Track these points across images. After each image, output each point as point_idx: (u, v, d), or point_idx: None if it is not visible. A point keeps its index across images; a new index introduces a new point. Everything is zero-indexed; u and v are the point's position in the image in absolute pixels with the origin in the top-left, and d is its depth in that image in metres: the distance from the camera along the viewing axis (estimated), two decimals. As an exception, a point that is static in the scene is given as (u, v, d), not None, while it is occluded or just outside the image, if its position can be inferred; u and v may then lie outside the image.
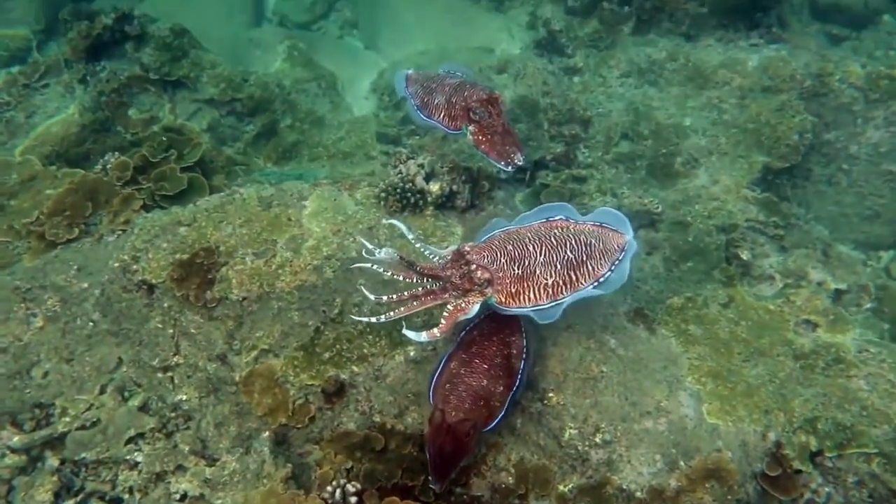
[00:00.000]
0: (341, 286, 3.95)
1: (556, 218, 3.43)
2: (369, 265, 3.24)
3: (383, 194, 4.21)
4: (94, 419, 3.71)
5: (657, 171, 5.34)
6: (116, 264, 4.00)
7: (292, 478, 3.55)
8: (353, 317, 3.23)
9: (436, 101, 4.04)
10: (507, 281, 3.20)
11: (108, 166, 4.44)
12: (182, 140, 4.75)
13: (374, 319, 3.13)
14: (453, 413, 3.24)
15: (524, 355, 3.51)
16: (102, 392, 3.79)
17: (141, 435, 3.70)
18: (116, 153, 4.56)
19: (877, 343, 4.23)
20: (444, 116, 4.00)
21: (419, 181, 4.18)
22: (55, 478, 3.56)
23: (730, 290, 4.48)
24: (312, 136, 5.80)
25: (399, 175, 4.21)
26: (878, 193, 5.59)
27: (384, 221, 3.30)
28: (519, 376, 3.47)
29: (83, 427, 3.69)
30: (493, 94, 3.88)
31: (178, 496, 3.56)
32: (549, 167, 5.25)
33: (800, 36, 6.11)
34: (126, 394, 3.80)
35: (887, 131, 5.48)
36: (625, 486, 3.57)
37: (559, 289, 3.24)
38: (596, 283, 3.30)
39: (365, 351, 3.81)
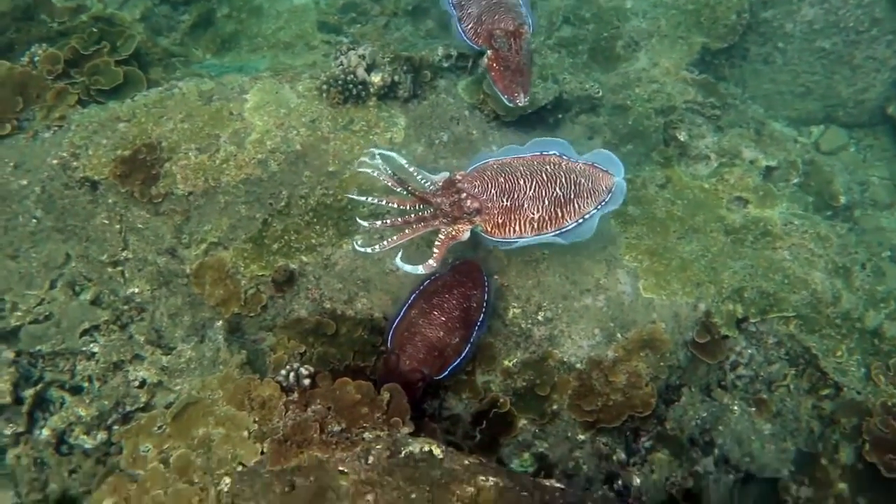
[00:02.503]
0: (287, 178, 3.98)
1: (550, 153, 3.44)
2: (370, 170, 3.26)
3: (325, 86, 4.17)
4: (47, 313, 3.76)
5: (598, 56, 5.36)
6: (55, 161, 3.95)
7: (247, 363, 3.69)
8: (356, 248, 3.26)
9: (470, 10, 3.94)
10: (496, 212, 3.26)
11: (37, 59, 4.28)
12: (114, 31, 4.57)
13: (370, 250, 3.16)
14: (407, 361, 3.41)
15: (483, 309, 3.61)
16: (52, 287, 3.81)
17: (95, 327, 3.76)
18: (44, 44, 4.38)
19: (801, 216, 4.47)
20: (470, 28, 3.92)
21: (361, 72, 4.15)
22: (12, 369, 3.63)
23: (667, 170, 4.64)
24: (251, 26, 5.62)
25: (340, 67, 4.16)
26: (810, 70, 5.73)
27: (375, 151, 3.29)
28: (476, 328, 3.58)
29: (36, 321, 3.74)
30: (519, 28, 3.79)
31: (136, 383, 3.69)
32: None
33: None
34: (77, 288, 3.84)
35: (821, 8, 5.55)
36: (565, 359, 3.80)
37: (544, 224, 3.32)
38: (580, 221, 3.39)
39: (313, 241, 3.90)
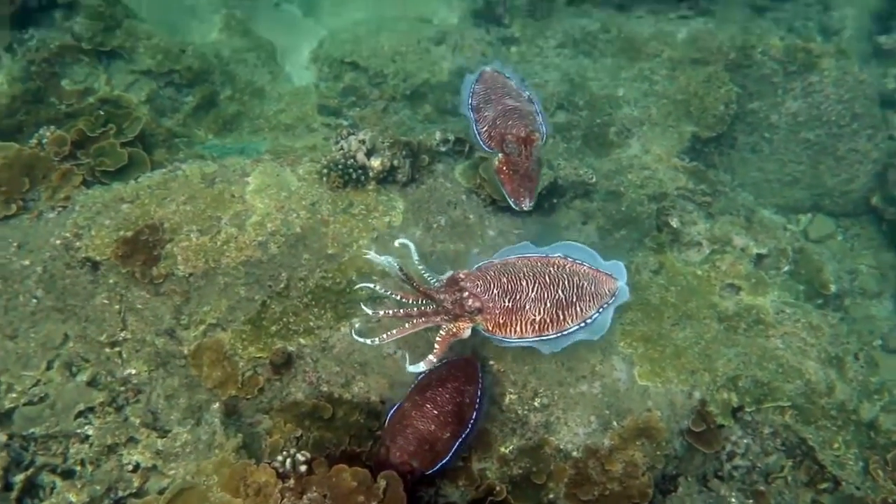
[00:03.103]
0: (287, 261, 4.03)
1: (555, 256, 3.50)
2: (379, 261, 3.30)
3: (325, 170, 4.26)
4: (42, 395, 3.73)
5: (592, 141, 5.52)
6: (58, 241, 3.99)
7: (243, 447, 3.66)
8: (355, 337, 3.30)
9: (485, 112, 4.07)
10: (497, 312, 3.30)
11: (44, 140, 4.37)
12: (120, 113, 4.68)
13: (370, 342, 3.21)
14: (397, 453, 3.39)
15: (477, 406, 3.61)
16: (49, 368, 3.80)
17: (90, 409, 3.74)
18: (52, 126, 4.48)
19: (792, 304, 4.54)
20: (485, 131, 4.04)
21: (361, 157, 4.25)
22: (4, 453, 3.57)
23: (660, 256, 4.72)
24: (253, 108, 5.78)
25: (341, 151, 4.27)
26: (796, 160, 5.91)
27: (397, 243, 3.38)
28: (470, 424, 3.58)
29: (31, 403, 3.71)
30: (530, 135, 3.89)
31: (130, 467, 3.64)
32: (487, 139, 5.36)
33: (726, 7, 6.33)
34: (74, 369, 3.82)
35: (804, 101, 5.78)
36: (562, 446, 3.79)
37: (545, 326, 3.35)
38: (582, 324, 3.42)
39: (311, 324, 3.92)
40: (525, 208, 3.90)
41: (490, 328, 3.35)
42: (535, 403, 3.84)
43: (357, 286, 3.89)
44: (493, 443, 3.79)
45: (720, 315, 4.42)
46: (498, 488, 3.66)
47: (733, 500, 3.95)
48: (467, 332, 3.33)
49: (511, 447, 3.79)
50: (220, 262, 3.98)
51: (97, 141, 4.42)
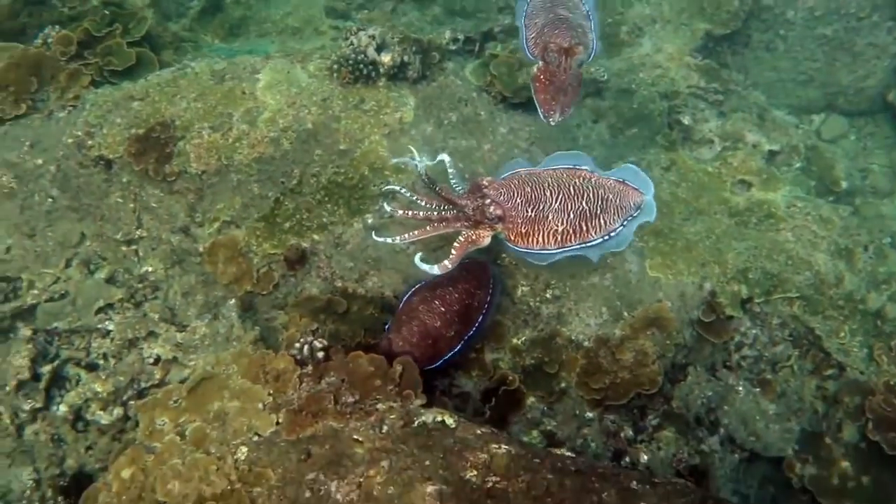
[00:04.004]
0: (299, 157, 4.03)
1: (582, 168, 3.41)
2: (407, 160, 3.27)
3: (336, 66, 4.23)
4: (62, 291, 3.80)
5: (603, 40, 5.39)
6: (70, 140, 4.00)
7: (261, 340, 3.75)
8: (374, 237, 3.29)
9: (537, 20, 3.87)
10: (519, 221, 3.25)
11: (50, 40, 4.33)
12: (125, 14, 4.63)
13: (391, 240, 3.20)
14: (400, 343, 3.45)
15: (484, 310, 3.64)
16: (68, 266, 3.86)
17: (110, 305, 3.81)
18: (57, 27, 4.43)
19: (803, 198, 4.54)
20: (532, 37, 3.86)
21: (371, 52, 4.20)
22: (30, 345, 3.67)
23: (672, 153, 4.71)
24: (259, 12, 5.68)
25: (351, 46, 4.22)
26: (812, 58, 5.79)
27: (439, 157, 3.33)
28: (475, 327, 3.61)
29: (51, 299, 3.79)
30: (573, 46, 3.68)
31: (151, 360, 3.73)
32: (497, 38, 5.28)
33: None
34: (92, 267, 3.88)
35: (822, -6, 5.63)
36: (573, 337, 3.86)
37: (568, 236, 3.29)
38: (606, 237, 3.34)
39: (325, 220, 3.95)
40: (552, 123, 3.72)
41: (512, 237, 3.30)
42: (547, 295, 3.89)
43: (385, 188, 3.86)
44: (506, 334, 3.86)
45: (731, 210, 4.43)
46: (511, 378, 3.75)
47: (740, 388, 4.04)
48: (487, 240, 3.30)
49: (523, 338, 3.86)
50: (233, 159, 3.99)
51: (103, 41, 4.37)
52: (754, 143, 4.87)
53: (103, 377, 3.69)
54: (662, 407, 3.92)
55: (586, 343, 3.85)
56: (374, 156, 4.03)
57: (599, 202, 3.31)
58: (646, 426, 3.91)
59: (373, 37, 4.21)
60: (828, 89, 5.88)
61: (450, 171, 3.32)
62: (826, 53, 5.75)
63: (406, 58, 4.28)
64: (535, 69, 3.79)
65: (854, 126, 5.94)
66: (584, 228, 3.30)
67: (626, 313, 3.90)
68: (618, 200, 3.33)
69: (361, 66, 4.18)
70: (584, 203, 3.28)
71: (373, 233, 3.51)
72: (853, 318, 4.13)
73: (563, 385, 3.81)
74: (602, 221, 3.31)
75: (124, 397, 3.66)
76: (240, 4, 5.66)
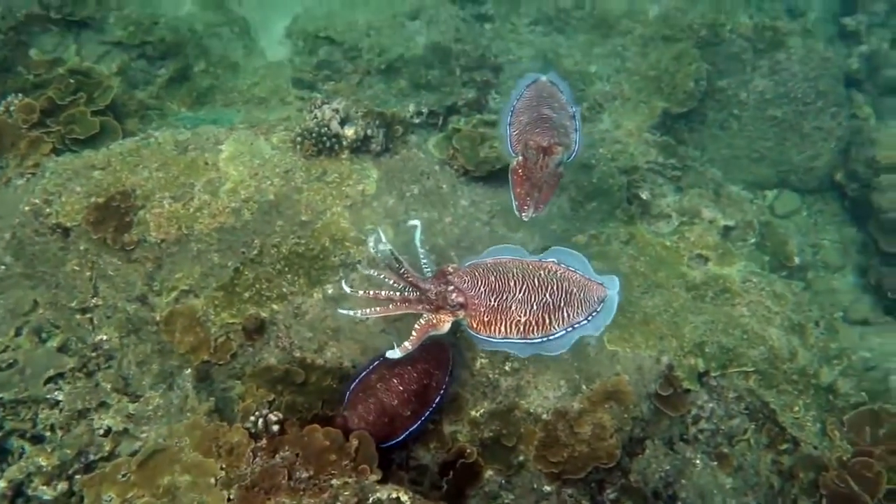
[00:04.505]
0: (260, 228, 4.04)
1: (549, 260, 3.44)
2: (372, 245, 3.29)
3: (299, 138, 4.28)
4: (11, 360, 3.72)
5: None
6: (27, 208, 3.97)
7: (215, 411, 3.68)
8: (339, 311, 3.30)
9: (522, 117, 3.97)
10: (482, 309, 3.27)
11: (12, 108, 4.34)
12: (91, 83, 4.66)
13: (352, 313, 3.22)
14: (356, 420, 3.43)
15: (442, 390, 3.65)
16: (18, 334, 3.79)
17: (61, 374, 3.73)
18: (20, 94, 4.45)
19: (758, 273, 4.64)
20: (515, 134, 3.93)
21: (334, 125, 4.27)
22: (-27, 418, 3.58)
23: (630, 227, 4.80)
24: (226, 81, 5.76)
25: (314, 119, 4.28)
26: (764, 137, 6.03)
27: (410, 223, 3.36)
28: (431, 407, 3.61)
29: None
30: (552, 146, 3.76)
31: (101, 431, 3.64)
32: (461, 112, 5.41)
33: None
34: (44, 335, 3.81)
35: (771, 79, 5.89)
36: (532, 410, 3.85)
37: (531, 328, 3.31)
38: (570, 329, 3.34)
39: (284, 290, 3.94)
40: (525, 218, 3.77)
41: (475, 325, 3.31)
42: (506, 367, 3.89)
43: (358, 266, 3.86)
44: (465, 406, 3.84)
45: (688, 284, 4.51)
46: (469, 451, 3.72)
47: (698, 461, 4.04)
48: (447, 327, 3.31)
49: (482, 410, 3.84)
50: (193, 229, 3.98)
51: (67, 109, 4.39)
52: (710, 218, 4.99)
53: (49, 450, 3.59)
54: (620, 481, 3.90)
55: (545, 416, 3.84)
56: (336, 227, 4.05)
57: (563, 295, 3.32)
58: (604, 500, 3.88)
59: (336, 110, 4.28)
60: (780, 167, 6.11)
61: (418, 237, 3.36)
62: (777, 134, 6.00)
63: (369, 131, 4.36)
64: (514, 163, 3.84)
65: (805, 202, 6.14)
66: (547, 321, 3.31)
67: (584, 386, 3.91)
68: (581, 294, 3.35)
69: (325, 138, 4.24)
70: (547, 295, 3.30)
71: (337, 307, 3.48)
72: (806, 393, 4.19)
73: (521, 458, 3.79)
74: (565, 314, 3.32)
75: (70, 471, 3.56)
76: (207, 74, 5.73)
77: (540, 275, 3.34)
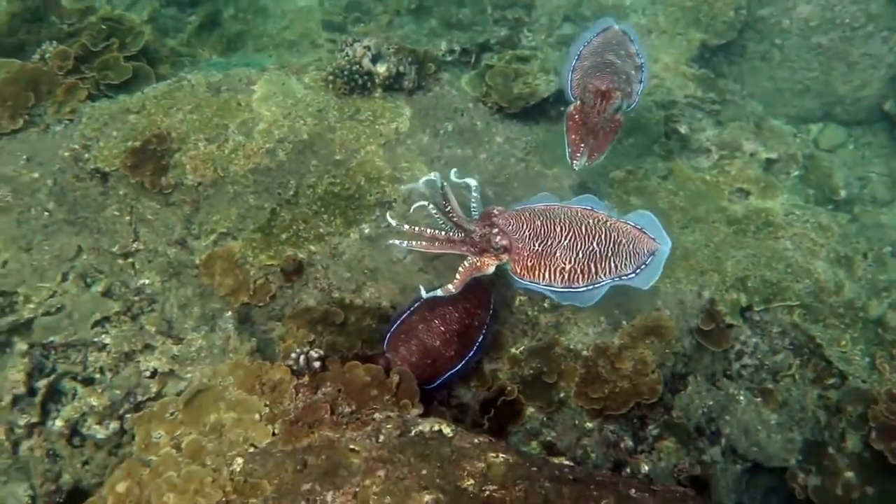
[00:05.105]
0: (295, 168, 4.03)
1: (600, 210, 3.40)
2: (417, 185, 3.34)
3: (331, 77, 4.24)
4: (59, 305, 3.78)
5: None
6: (67, 153, 4.00)
7: (258, 351, 3.73)
8: (389, 242, 3.35)
9: (585, 62, 3.89)
10: (525, 254, 3.25)
11: (47, 56, 4.34)
12: (122, 30, 4.64)
13: (399, 243, 3.26)
14: (398, 362, 3.42)
15: (484, 330, 3.62)
16: (64, 279, 3.84)
17: (107, 318, 3.78)
18: (55, 42, 4.45)
19: (802, 206, 4.53)
20: (576, 77, 3.85)
21: (366, 63, 4.22)
22: (26, 360, 3.65)
23: (669, 163, 4.70)
24: (257, 26, 5.71)
25: (346, 57, 4.23)
26: (808, 68, 5.81)
27: (467, 180, 3.35)
28: (474, 347, 3.60)
29: (48, 313, 3.76)
30: (609, 90, 3.69)
31: (148, 373, 3.71)
32: (493, 50, 5.31)
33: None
34: (88, 280, 3.87)
35: (817, 4, 5.64)
36: (572, 346, 3.83)
37: (576, 276, 3.27)
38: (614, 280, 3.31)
39: (321, 230, 3.94)
40: (576, 167, 3.72)
41: (518, 270, 3.30)
42: (545, 304, 3.87)
43: (404, 187, 3.82)
44: (505, 344, 3.84)
45: (729, 218, 4.42)
46: (509, 388, 3.72)
47: (741, 398, 4.01)
48: (491, 269, 3.29)
49: (522, 348, 3.83)
50: (229, 171, 3.99)
51: (100, 55, 4.39)
52: (752, 151, 4.87)
53: (99, 391, 3.67)
54: (663, 417, 3.89)
55: (585, 352, 3.82)
56: (370, 166, 4.03)
57: (611, 245, 3.27)
58: (646, 436, 3.87)
59: (368, 48, 4.22)
60: (825, 99, 5.89)
61: (473, 195, 3.31)
62: (822, 63, 5.77)
63: (402, 68, 4.30)
64: (570, 107, 3.76)
65: (852, 135, 5.95)
66: (593, 270, 3.28)
67: (624, 322, 3.88)
68: (631, 246, 3.30)
69: (357, 76, 4.20)
70: (594, 244, 3.25)
71: (375, 245, 3.43)
72: (854, 327, 4.10)
73: (562, 395, 3.78)
74: (613, 265, 3.28)
75: (121, 411, 3.64)
76: (237, 20, 5.69)
77: (589, 223, 3.30)
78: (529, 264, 3.27)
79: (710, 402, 3.97)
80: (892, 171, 5.72)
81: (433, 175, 3.29)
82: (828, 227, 4.42)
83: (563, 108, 4.60)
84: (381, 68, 4.22)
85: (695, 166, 4.76)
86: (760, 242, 4.31)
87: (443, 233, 3.32)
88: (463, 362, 3.59)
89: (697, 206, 4.42)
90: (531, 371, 3.80)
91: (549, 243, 3.25)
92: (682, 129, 4.83)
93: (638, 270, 3.32)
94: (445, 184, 3.29)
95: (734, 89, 5.53)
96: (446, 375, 3.56)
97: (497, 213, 3.31)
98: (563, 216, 3.31)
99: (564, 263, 3.25)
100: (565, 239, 3.25)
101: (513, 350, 3.84)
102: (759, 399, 4.02)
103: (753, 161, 4.80)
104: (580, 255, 3.25)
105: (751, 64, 5.84)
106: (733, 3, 5.46)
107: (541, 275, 3.28)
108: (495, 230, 3.25)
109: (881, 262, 4.41)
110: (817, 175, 5.01)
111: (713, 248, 4.20)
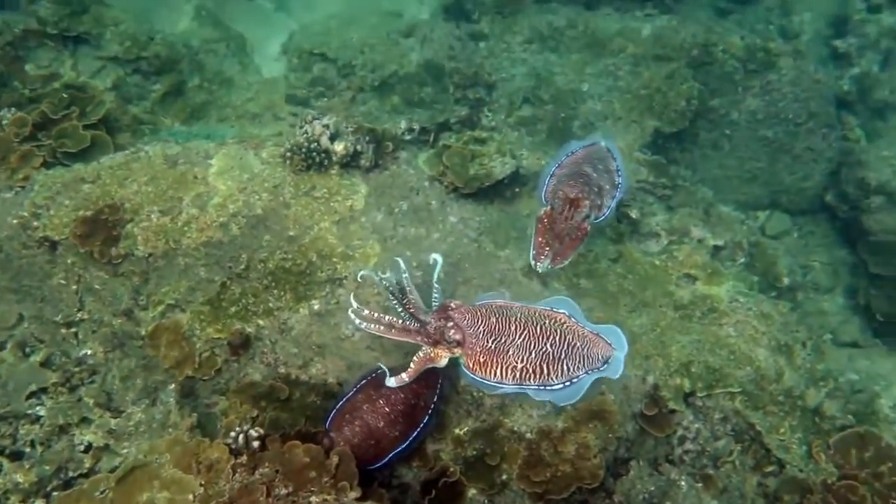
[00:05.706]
0: (247, 242, 4.05)
1: (560, 311, 3.44)
2: (376, 277, 3.37)
3: (289, 153, 4.30)
4: (-6, 375, 3.72)
5: (556, 134, 5.60)
6: (15, 221, 3.98)
7: (198, 427, 3.67)
8: (350, 312, 3.35)
9: (563, 170, 4.07)
10: (479, 349, 3.30)
11: (5, 122, 4.36)
12: (85, 97, 4.69)
13: (358, 322, 3.30)
14: (342, 444, 3.40)
15: (429, 412, 3.62)
16: (2, 348, 3.79)
17: (43, 389, 3.72)
18: (13, 109, 4.48)
19: (746, 294, 4.63)
20: (551, 184, 4.03)
21: (324, 141, 4.29)
22: (-48, 433, 3.57)
23: (619, 246, 4.80)
24: (221, 97, 5.81)
25: (304, 135, 4.30)
26: (755, 157, 6.05)
27: (432, 257, 3.45)
28: (419, 428, 3.59)
29: (-18, 384, 3.70)
30: (578, 199, 3.85)
31: (82, 447, 3.63)
32: (453, 129, 5.44)
33: (690, 7, 6.46)
34: (28, 349, 3.81)
35: (763, 99, 5.91)
36: (516, 428, 3.82)
37: (527, 375, 3.31)
38: (566, 384, 3.34)
39: (270, 305, 3.94)
40: (538, 269, 3.85)
41: (470, 364, 3.34)
42: (491, 385, 3.88)
43: (360, 273, 3.83)
44: (448, 424, 3.82)
45: (676, 303, 4.50)
46: (452, 469, 3.70)
47: (683, 483, 4.02)
48: (444, 361, 3.34)
49: (466, 429, 3.81)
50: (181, 243, 3.99)
51: (59, 123, 4.42)
52: (700, 237, 5.00)
53: (27, 466, 3.57)
54: (604, 502, 3.88)
55: (529, 435, 3.81)
56: (323, 242, 4.07)
57: (565, 347, 3.31)
58: (588, 522, 3.86)
59: (326, 126, 4.30)
60: (771, 187, 6.13)
61: (437, 272, 3.39)
62: (768, 154, 6.02)
63: (359, 147, 4.38)
64: (540, 211, 3.91)
65: (796, 224, 6.16)
66: (545, 371, 3.31)
67: (568, 406, 3.89)
68: (585, 350, 3.33)
69: (314, 154, 4.26)
70: (548, 345, 3.30)
71: (350, 310, 3.43)
72: (793, 415, 4.17)
73: (504, 477, 3.75)
74: (565, 367, 3.31)
75: (48, 488, 3.54)
76: (202, 89, 5.78)
77: (544, 323, 3.35)
78: (482, 360, 3.31)
79: (652, 488, 3.97)
80: (833, 260, 5.92)
81: (399, 259, 3.35)
82: (769, 316, 4.52)
83: (517, 189, 4.76)
84: (338, 146, 4.29)
85: (644, 250, 4.87)
86: (705, 328, 4.39)
87: (400, 321, 3.36)
88: (406, 443, 3.56)
89: (645, 290, 4.51)
90: (474, 452, 3.77)
91: (502, 340, 3.29)
92: (633, 214, 4.95)
93: (589, 372, 3.34)
94: (405, 275, 3.35)
95: (685, 175, 5.71)
96: (389, 456, 3.53)
97: (454, 306, 3.36)
98: (519, 315, 3.36)
99: (516, 362, 3.29)
100: (519, 338, 3.30)
101: (457, 431, 3.81)
102: (700, 485, 4.04)
103: (701, 247, 4.92)
104: (533, 356, 3.29)
105: (702, 151, 6.06)
106: (685, 93, 5.69)
107: (492, 371, 3.32)
108: (450, 324, 3.30)
109: (820, 351, 4.52)
110: (762, 262, 5.15)
111: (659, 333, 4.27)
